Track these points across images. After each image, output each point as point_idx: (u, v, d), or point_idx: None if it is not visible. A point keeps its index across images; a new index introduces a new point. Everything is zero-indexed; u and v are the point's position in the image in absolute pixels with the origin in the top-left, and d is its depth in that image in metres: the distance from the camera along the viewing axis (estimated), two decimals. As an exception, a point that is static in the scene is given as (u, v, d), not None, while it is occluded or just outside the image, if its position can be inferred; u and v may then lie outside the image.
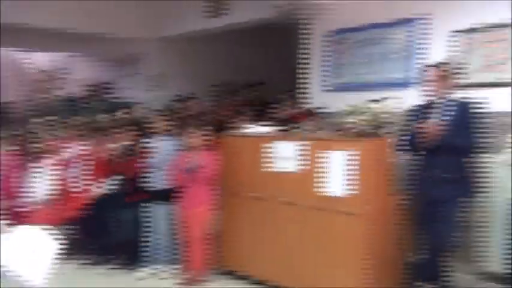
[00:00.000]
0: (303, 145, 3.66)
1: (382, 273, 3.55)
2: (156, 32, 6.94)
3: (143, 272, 4.37)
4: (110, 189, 4.45)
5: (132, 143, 4.43)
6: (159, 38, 6.96)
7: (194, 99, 4.81)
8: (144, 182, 4.33)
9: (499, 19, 3.94)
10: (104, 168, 4.45)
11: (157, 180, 4.28)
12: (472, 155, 3.32)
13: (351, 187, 3.35)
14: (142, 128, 4.48)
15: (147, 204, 4.34)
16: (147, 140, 4.37)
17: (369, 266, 3.35)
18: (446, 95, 3.36)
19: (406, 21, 4.55)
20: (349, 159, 3.36)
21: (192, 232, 4.11)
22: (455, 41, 4.22)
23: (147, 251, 4.38)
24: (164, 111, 4.47)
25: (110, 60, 7.69)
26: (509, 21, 3.89)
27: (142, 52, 7.03)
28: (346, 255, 3.40)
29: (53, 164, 3.93)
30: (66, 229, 4.06)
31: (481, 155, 3.39)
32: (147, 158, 4.28)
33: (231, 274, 4.26)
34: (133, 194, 4.38)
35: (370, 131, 3.39)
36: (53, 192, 3.87)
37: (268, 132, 4.14)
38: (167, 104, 5.25)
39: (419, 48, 4.48)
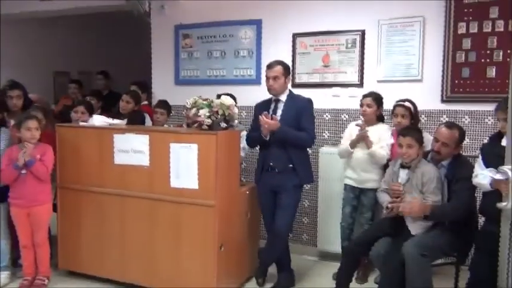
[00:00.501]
0: (150, 138, 3.60)
1: (238, 263, 3.69)
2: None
3: None
4: None
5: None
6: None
7: (19, 87, 4.27)
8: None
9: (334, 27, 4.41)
10: None
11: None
12: (307, 146, 3.66)
13: (200, 179, 3.40)
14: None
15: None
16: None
17: (224, 257, 3.44)
18: (284, 92, 3.64)
19: (253, 22, 4.79)
20: (197, 152, 3.40)
21: (26, 233, 3.74)
22: (294, 43, 4.58)
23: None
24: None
25: None
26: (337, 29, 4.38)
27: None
28: (198, 247, 3.43)
29: None
30: None
31: (311, 146, 3.77)
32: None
33: (76, 274, 3.99)
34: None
35: (217, 124, 3.48)
36: None
37: (113, 124, 3.96)
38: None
39: (260, 48, 4.76)
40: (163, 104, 4.69)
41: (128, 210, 3.71)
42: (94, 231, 3.86)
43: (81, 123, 4.07)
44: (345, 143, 3.85)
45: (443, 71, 4.03)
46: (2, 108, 4.01)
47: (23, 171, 3.63)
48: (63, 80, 6.42)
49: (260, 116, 3.51)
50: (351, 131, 3.86)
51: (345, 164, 3.94)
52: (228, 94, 3.89)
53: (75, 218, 3.92)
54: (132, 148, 3.65)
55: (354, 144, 3.77)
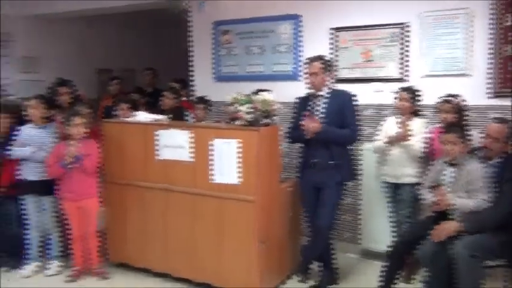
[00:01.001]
0: (193, 133, 3.63)
1: (278, 259, 3.68)
2: (26, 10, 6.28)
3: (27, 269, 4.01)
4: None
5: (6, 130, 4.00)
6: (29, 17, 6.31)
7: (71, 85, 4.44)
8: (19, 173, 3.94)
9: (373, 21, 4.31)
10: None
11: (33, 172, 3.91)
12: (350, 143, 3.60)
13: (242, 175, 3.41)
14: (19, 115, 4.05)
15: (24, 197, 3.95)
16: (19, 128, 3.97)
17: (264, 253, 3.43)
18: (326, 87, 3.58)
19: (288, 17, 4.74)
20: (239, 148, 3.41)
21: (78, 225, 3.85)
22: (333, 38, 4.51)
23: (29, 247, 4.02)
24: (40, 98, 4.08)
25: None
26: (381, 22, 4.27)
27: (11, 31, 6.31)
28: (241, 242, 3.44)
29: None
30: None
31: (356, 143, 3.71)
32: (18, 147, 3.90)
33: (124, 266, 4.08)
34: (8, 186, 3.97)
35: (258, 120, 3.47)
36: None
37: (156, 120, 4.02)
38: (43, 89, 4.80)
39: (300, 43, 4.70)
40: (203, 101, 4.73)
41: (170, 204, 3.76)
42: (139, 225, 3.93)
43: (126, 119, 4.14)
44: (381, 139, 3.77)
45: (490, 64, 3.88)
46: (52, 105, 4.13)
47: (70, 166, 3.73)
48: (106, 77, 6.55)
49: (301, 118, 3.46)
50: (388, 127, 3.78)
51: (379, 159, 3.86)
52: (266, 90, 3.88)
53: (121, 212, 4.00)
54: (175, 144, 3.70)
55: (392, 142, 3.68)
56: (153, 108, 4.85)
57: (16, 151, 3.86)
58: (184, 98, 5.19)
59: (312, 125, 3.42)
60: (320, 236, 3.57)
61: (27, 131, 3.94)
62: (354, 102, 3.55)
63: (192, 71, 5.34)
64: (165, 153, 3.75)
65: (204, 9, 5.19)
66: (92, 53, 6.88)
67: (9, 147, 3.87)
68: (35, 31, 6.34)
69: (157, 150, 3.79)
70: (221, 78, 5.16)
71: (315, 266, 3.84)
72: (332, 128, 3.44)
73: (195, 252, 3.67)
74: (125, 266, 4.08)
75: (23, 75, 6.14)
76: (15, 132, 3.93)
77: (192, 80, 5.34)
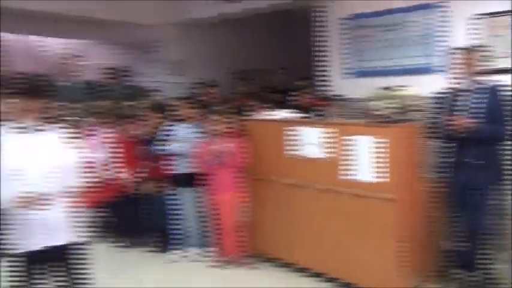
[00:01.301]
0: (329, 131, 3.63)
1: (418, 260, 3.51)
2: (174, 17, 6.86)
3: (175, 254, 4.38)
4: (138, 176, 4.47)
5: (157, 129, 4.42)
6: (177, 23, 6.88)
7: (215, 85, 4.78)
8: (169, 167, 4.31)
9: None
10: (132, 154, 4.46)
11: (182, 167, 4.26)
12: (503, 141, 3.28)
13: (381, 173, 3.33)
14: (167, 115, 4.47)
15: (174, 190, 4.33)
16: (169, 127, 4.34)
17: (404, 253, 3.33)
18: (475, 81, 3.31)
19: (424, 7, 4.49)
20: (378, 145, 3.33)
21: (222, 218, 4.10)
22: (477, 25, 4.15)
23: (177, 235, 4.39)
24: (187, 98, 4.45)
25: (127, 46, 7.61)
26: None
27: (160, 38, 6.97)
28: (380, 241, 3.38)
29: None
30: (99, 212, 4.11)
31: (505, 141, 3.36)
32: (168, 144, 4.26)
33: (260, 257, 4.25)
34: (159, 179, 4.38)
35: (397, 116, 3.35)
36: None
37: (293, 118, 4.11)
38: (187, 90, 5.23)
39: (440, 34, 4.42)
40: (331, 97, 4.70)
41: (310, 201, 3.81)
42: (281, 220, 4.04)
43: (266, 117, 4.27)
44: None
45: None
46: (198, 105, 4.46)
47: (217, 162, 3.98)
48: (242, 77, 6.89)
49: (449, 114, 3.25)
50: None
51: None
52: (405, 85, 3.72)
53: (264, 207, 4.15)
54: (313, 141, 3.74)
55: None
56: (287, 106, 4.96)
57: (168, 147, 4.24)
58: (317, 96, 5.22)
59: (462, 121, 3.17)
60: (474, 241, 3.31)
61: (176, 129, 4.30)
62: (506, 95, 3.23)
63: (323, 67, 5.34)
64: (304, 150, 3.81)
65: (334, 4, 5.13)
66: (230, 54, 7.27)
67: (157, 144, 4.26)
68: (180, 37, 6.89)
69: (296, 147, 3.86)
70: (357, 73, 5.07)
71: (460, 271, 3.59)
72: (485, 125, 3.16)
73: (333, 248, 3.68)
74: (263, 258, 4.23)
75: (171, 77, 6.73)
76: (166, 130, 4.31)
77: (323, 77, 5.34)
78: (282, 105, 5.19)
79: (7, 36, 6.99)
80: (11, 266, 2.26)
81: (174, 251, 4.41)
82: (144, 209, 4.52)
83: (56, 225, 2.26)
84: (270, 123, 4.12)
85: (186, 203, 4.32)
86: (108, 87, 5.45)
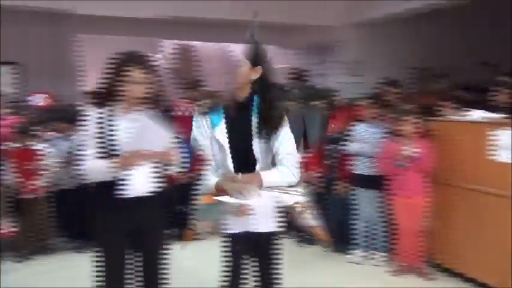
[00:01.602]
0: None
1: None
2: (350, 19, 6.81)
3: (354, 255, 4.34)
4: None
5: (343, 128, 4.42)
6: (356, 24, 6.82)
7: (399, 84, 4.56)
8: (353, 167, 4.26)
9: None
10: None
11: (364, 167, 4.17)
12: None
13: None
14: (353, 114, 4.41)
15: (356, 189, 4.28)
16: (353, 127, 4.30)
17: None
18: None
19: None
20: None
21: (404, 222, 3.90)
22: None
23: (356, 235, 4.33)
24: (370, 98, 4.34)
25: (305, 49, 7.81)
26: None
27: (337, 39, 6.99)
28: None
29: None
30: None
31: None
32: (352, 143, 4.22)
33: (439, 267, 3.98)
34: (342, 178, 4.38)
35: None
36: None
37: (490, 119, 3.70)
38: (368, 90, 5.10)
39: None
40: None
41: (504, 211, 3.39)
42: (467, 230, 3.70)
43: (453, 118, 3.96)
44: None
45: None
46: (381, 104, 4.32)
47: (405, 165, 3.78)
48: (426, 75, 6.49)
49: None
50: None
51: None
52: None
53: (446, 213, 3.85)
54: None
55: None
56: (482, 105, 4.48)
57: (351, 146, 4.20)
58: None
59: None
60: None
61: (360, 129, 4.23)
62: None
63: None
64: (504, 155, 3.40)
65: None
66: (410, 52, 6.92)
67: (344, 143, 4.25)
68: (360, 37, 6.80)
69: (494, 151, 3.47)
70: None
71: None
72: None
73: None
74: (443, 268, 3.96)
75: (350, 77, 6.68)
76: (351, 130, 4.27)
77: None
78: (475, 104, 4.72)
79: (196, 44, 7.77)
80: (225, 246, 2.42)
81: (353, 251, 4.34)
82: (325, 207, 4.55)
83: (265, 213, 2.37)
84: (463, 124, 3.77)
85: (364, 204, 4.22)
86: (291, 89, 5.62)
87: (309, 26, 6.90)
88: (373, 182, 4.10)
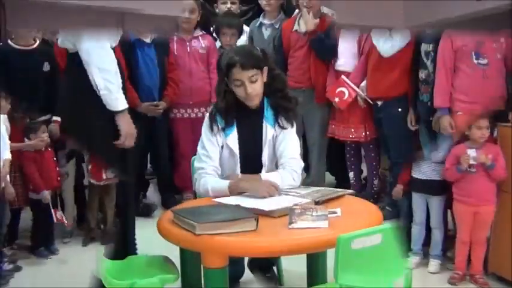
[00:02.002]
0: None
1: None
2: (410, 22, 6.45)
3: (409, 260, 4.04)
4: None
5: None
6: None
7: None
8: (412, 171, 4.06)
9: None
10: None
11: (429, 170, 3.93)
12: None
13: None
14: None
15: (413, 194, 4.07)
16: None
17: None
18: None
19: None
20: None
21: (467, 230, 3.71)
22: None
23: (412, 240, 4.13)
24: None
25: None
26: None
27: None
28: None
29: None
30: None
31: None
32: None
33: (497, 276, 3.75)
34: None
35: None
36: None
37: None
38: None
39: None
40: None
41: None
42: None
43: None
44: None
45: None
46: None
47: (473, 170, 3.58)
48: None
49: None
50: None
51: None
52: None
53: (508, 223, 3.60)
54: None
55: None
56: None
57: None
58: None
59: None
60: None
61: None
62: None
63: None
64: None
65: None
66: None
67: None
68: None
69: None
70: None
71: None
72: None
73: None
74: (502, 280, 3.73)
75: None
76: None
77: None
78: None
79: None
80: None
81: (411, 255, 4.08)
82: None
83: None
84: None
85: (421, 208, 4.01)
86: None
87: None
88: (432, 187, 3.90)
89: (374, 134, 4.25)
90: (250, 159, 2.59)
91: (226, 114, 2.59)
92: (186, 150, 3.64)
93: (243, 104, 2.59)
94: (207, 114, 2.70)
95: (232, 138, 2.57)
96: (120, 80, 2.64)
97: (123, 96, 2.64)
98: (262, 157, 2.58)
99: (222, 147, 2.60)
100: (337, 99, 4.01)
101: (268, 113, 2.61)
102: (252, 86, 2.52)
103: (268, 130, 2.58)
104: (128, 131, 2.66)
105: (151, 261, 2.59)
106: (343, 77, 4.11)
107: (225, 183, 2.50)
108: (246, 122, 2.62)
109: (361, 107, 4.20)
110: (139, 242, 3.19)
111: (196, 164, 2.70)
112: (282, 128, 2.60)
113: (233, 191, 2.48)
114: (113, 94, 2.54)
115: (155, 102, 4.23)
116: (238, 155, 2.58)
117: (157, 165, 4.60)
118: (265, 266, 2.98)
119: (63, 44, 2.73)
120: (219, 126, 2.59)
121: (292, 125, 2.62)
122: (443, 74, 3.71)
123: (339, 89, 4.04)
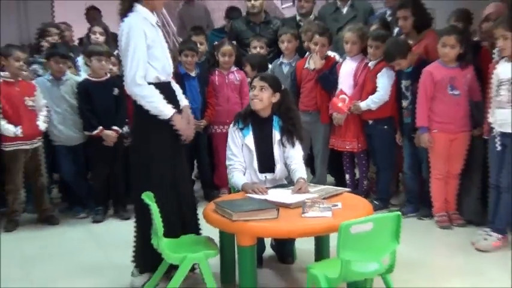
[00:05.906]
0: None
1: None
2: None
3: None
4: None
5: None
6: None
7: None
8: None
9: None
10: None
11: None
12: None
13: None
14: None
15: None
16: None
17: None
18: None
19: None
20: None
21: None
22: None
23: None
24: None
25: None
26: None
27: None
28: None
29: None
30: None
31: None
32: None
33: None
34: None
35: None
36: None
37: None
38: None
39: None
40: None
41: None
42: None
43: None
44: None
45: None
46: None
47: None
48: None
49: None
50: None
51: None
52: None
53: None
54: None
55: None
56: None
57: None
58: None
59: None
60: None
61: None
62: None
63: None
64: None
65: None
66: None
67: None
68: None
69: None
70: None
71: None
72: None
73: None
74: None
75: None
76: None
77: None
78: None
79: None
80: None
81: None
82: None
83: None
84: None
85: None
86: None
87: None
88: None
89: (365, 146, 4.50)
90: (264, 156, 2.87)
91: (244, 118, 2.93)
92: (222, 157, 3.85)
93: (257, 114, 2.91)
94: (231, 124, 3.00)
95: (249, 139, 2.87)
96: (162, 96, 2.64)
97: (169, 106, 2.65)
98: (274, 155, 2.86)
99: (242, 146, 2.86)
100: (340, 104, 4.28)
101: (276, 123, 2.92)
102: (258, 92, 2.82)
103: (276, 134, 2.91)
104: (182, 127, 2.67)
105: (198, 240, 2.77)
106: (342, 88, 4.36)
107: (241, 182, 2.84)
108: (260, 127, 2.91)
109: (355, 123, 4.42)
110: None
111: (227, 162, 3.00)
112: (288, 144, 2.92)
113: (244, 189, 2.81)
114: (158, 109, 2.57)
115: (198, 121, 4.50)
116: (254, 152, 2.89)
117: (201, 168, 4.97)
118: (283, 245, 3.13)
119: None
120: (239, 127, 2.89)
121: (293, 145, 2.90)
122: (424, 100, 3.89)
123: (341, 96, 4.31)
